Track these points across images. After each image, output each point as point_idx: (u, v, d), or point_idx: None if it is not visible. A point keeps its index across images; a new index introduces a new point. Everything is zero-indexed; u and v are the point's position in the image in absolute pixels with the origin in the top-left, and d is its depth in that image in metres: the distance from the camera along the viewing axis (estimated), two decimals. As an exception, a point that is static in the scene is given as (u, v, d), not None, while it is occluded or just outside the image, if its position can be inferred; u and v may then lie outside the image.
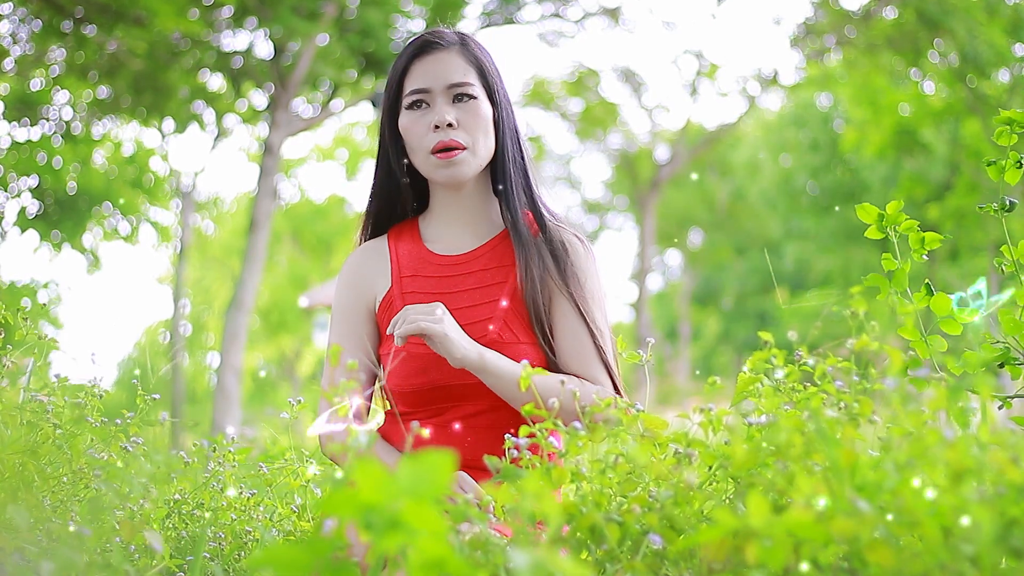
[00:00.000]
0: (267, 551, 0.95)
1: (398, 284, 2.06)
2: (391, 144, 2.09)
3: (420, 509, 0.91)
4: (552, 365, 1.98)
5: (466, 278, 2.04)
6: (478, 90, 2.02)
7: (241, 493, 2.02)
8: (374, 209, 2.16)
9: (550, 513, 1.15)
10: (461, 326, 1.96)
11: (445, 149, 1.99)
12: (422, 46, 2.04)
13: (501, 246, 2.06)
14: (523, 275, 1.99)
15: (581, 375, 1.97)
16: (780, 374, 1.52)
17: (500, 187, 2.05)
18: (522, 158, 2.08)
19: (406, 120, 2.03)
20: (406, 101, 2.03)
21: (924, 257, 1.83)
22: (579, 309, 1.98)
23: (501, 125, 2.04)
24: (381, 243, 2.14)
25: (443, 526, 0.93)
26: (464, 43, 2.05)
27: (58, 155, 10.02)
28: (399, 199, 2.15)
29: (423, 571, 0.93)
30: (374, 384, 2.11)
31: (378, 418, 2.09)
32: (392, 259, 2.10)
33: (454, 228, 2.09)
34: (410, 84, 2.03)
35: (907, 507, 1.13)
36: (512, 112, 2.08)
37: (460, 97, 2.01)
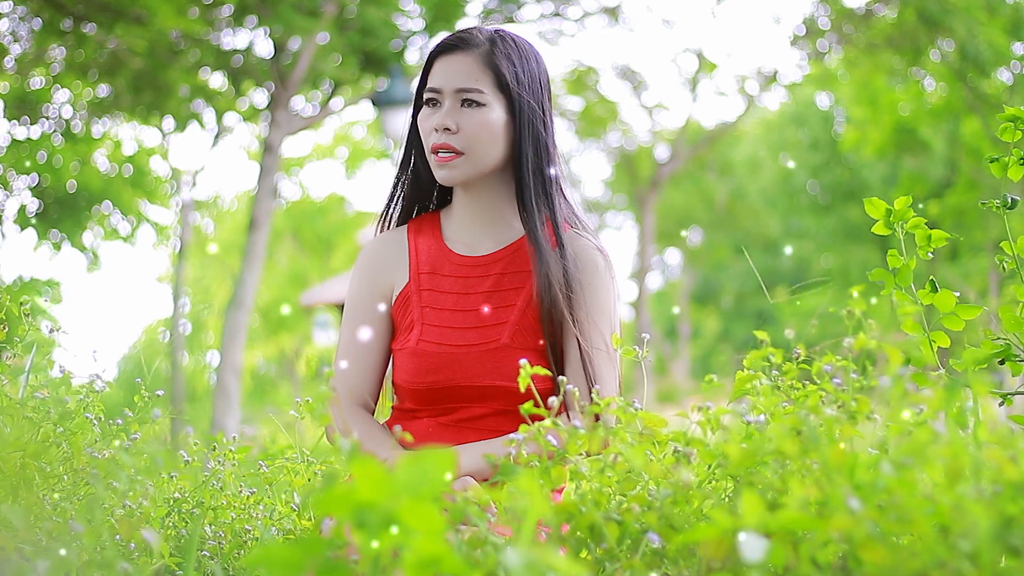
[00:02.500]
0: (262, 551, 0.94)
1: (415, 280, 2.07)
2: (414, 137, 2.12)
3: (416, 507, 0.91)
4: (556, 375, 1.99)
5: (483, 280, 2.05)
6: (489, 97, 2.01)
7: (241, 491, 2.02)
8: (399, 199, 2.17)
9: (540, 511, 1.15)
10: (474, 328, 1.98)
11: (441, 151, 2.01)
12: (447, 45, 2.06)
13: (520, 252, 2.06)
14: (540, 285, 1.99)
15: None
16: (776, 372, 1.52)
17: (518, 194, 2.05)
18: (546, 168, 2.06)
19: (421, 116, 2.07)
20: (424, 97, 2.06)
21: (929, 255, 1.83)
22: (577, 329, 1.99)
23: (520, 134, 2.03)
24: (400, 235, 2.15)
25: (440, 524, 0.93)
26: (493, 47, 2.04)
27: (58, 154, 10.00)
28: (423, 191, 2.16)
29: (419, 569, 0.93)
30: (383, 380, 2.12)
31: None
32: (411, 253, 2.11)
33: (474, 229, 2.10)
34: (429, 82, 2.05)
35: (903, 505, 1.13)
36: (542, 121, 2.05)
37: (468, 102, 2.01)
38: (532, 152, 2.04)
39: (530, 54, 2.07)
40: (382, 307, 2.09)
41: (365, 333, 2.06)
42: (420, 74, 2.08)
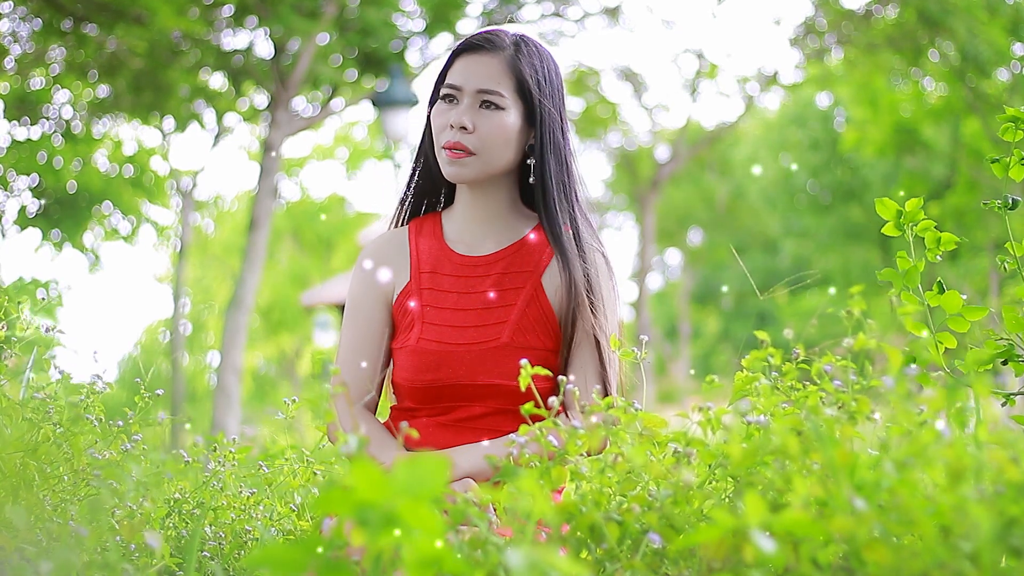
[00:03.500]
0: (263, 551, 0.94)
1: (416, 280, 2.08)
2: (428, 130, 2.12)
3: (415, 507, 0.91)
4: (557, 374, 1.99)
5: (483, 280, 2.06)
6: (508, 102, 2.02)
7: (241, 491, 2.02)
8: (414, 194, 2.18)
9: (543, 512, 1.15)
10: (474, 327, 1.99)
11: (453, 148, 2.01)
12: (471, 44, 2.06)
13: (521, 252, 2.08)
14: (566, 289, 2.01)
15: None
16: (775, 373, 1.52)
17: (541, 202, 2.06)
18: (567, 176, 2.08)
19: (435, 111, 2.07)
20: (441, 92, 2.06)
21: (938, 257, 1.83)
22: (594, 329, 2.00)
23: (542, 141, 2.04)
24: (402, 235, 2.16)
25: (439, 524, 0.93)
26: (517, 51, 2.05)
27: (58, 154, 10.00)
28: (434, 186, 2.17)
29: (420, 568, 0.93)
30: (384, 380, 2.12)
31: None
32: (412, 253, 2.12)
33: (476, 229, 2.11)
34: (449, 78, 2.06)
35: (905, 506, 1.13)
36: (560, 129, 2.07)
37: (486, 104, 2.02)
38: (554, 160, 2.06)
39: (551, 63, 2.09)
40: (383, 307, 2.09)
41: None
42: (441, 71, 2.09)
